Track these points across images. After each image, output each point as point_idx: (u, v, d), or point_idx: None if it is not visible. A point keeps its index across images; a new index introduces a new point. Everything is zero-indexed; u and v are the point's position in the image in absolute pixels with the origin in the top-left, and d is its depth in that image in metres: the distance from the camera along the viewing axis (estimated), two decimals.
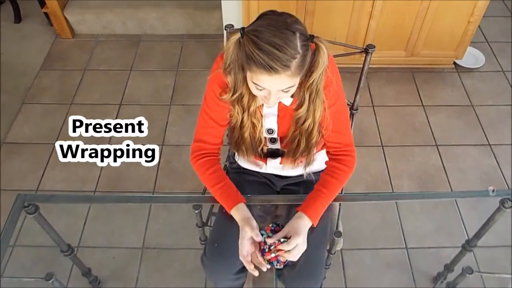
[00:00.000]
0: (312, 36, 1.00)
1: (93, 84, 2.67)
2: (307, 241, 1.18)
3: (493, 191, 1.23)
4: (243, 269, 1.33)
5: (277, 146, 1.34)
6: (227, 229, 1.30)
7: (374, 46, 1.44)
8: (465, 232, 1.99)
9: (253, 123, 1.20)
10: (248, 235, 1.14)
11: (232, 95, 1.13)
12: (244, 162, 1.44)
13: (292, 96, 1.15)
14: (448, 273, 1.74)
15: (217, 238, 1.34)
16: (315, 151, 1.31)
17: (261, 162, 1.41)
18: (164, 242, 1.97)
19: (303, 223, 1.16)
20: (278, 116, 1.22)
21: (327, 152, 1.30)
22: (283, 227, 1.18)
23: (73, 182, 2.18)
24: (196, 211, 1.28)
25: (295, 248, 1.13)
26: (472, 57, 2.77)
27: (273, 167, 1.40)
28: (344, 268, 1.89)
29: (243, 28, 0.99)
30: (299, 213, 1.18)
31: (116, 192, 2.14)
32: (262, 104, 1.19)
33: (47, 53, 2.86)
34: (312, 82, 1.06)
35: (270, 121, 1.24)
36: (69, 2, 2.91)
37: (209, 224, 1.53)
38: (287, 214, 1.34)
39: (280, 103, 1.19)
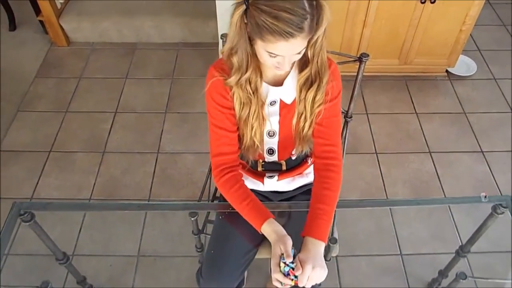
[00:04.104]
0: None
1: (88, 91, 2.68)
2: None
3: (485, 197, 1.24)
4: (240, 283, 1.33)
5: (274, 158, 1.33)
6: (223, 248, 1.29)
7: (368, 55, 1.46)
8: (458, 238, 2.01)
9: (261, 115, 1.17)
10: (279, 252, 1.08)
11: (241, 76, 1.09)
12: None
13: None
14: (442, 279, 1.75)
15: (213, 258, 1.32)
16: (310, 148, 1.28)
17: (258, 181, 1.38)
18: (160, 250, 1.97)
19: (314, 248, 1.10)
20: (280, 115, 1.21)
21: (314, 153, 1.25)
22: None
23: (68, 189, 2.18)
24: (192, 219, 1.28)
25: (308, 277, 1.06)
26: (464, 65, 2.81)
27: (270, 185, 1.39)
28: (339, 275, 1.90)
29: (247, 1, 0.97)
30: (306, 238, 1.12)
31: (112, 200, 2.13)
32: (262, 105, 1.17)
33: (42, 61, 2.86)
34: (317, 40, 1.04)
35: (271, 122, 1.22)
36: (64, 10, 2.92)
37: (205, 231, 1.53)
38: (286, 221, 1.34)
39: (281, 101, 1.18)
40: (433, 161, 2.33)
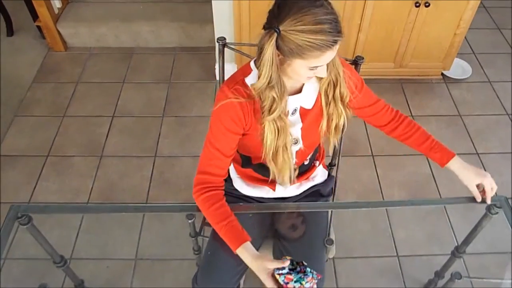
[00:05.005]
0: None
1: (86, 96, 2.69)
2: (309, 242, 1.21)
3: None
4: None
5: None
6: (219, 254, 1.29)
7: (363, 58, 1.47)
8: (454, 239, 2.02)
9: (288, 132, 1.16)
10: (266, 273, 1.08)
11: (280, 106, 1.08)
12: (246, 189, 1.40)
13: None
14: (439, 279, 1.76)
15: (209, 265, 1.32)
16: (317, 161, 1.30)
17: (268, 188, 1.37)
18: (157, 253, 1.97)
19: (463, 162, 1.27)
20: (302, 122, 1.20)
21: (383, 125, 1.35)
22: (297, 263, 1.10)
23: (66, 193, 2.18)
24: (190, 221, 1.29)
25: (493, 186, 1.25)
26: (459, 68, 2.83)
27: (281, 191, 1.37)
28: (336, 277, 1.90)
29: (277, 27, 0.96)
30: (451, 162, 1.28)
31: (109, 203, 2.14)
32: (287, 114, 1.16)
33: (40, 66, 2.87)
34: None
35: (294, 130, 1.20)
36: (62, 16, 2.94)
37: (202, 234, 1.54)
38: (295, 223, 1.37)
39: (301, 108, 1.18)
40: (429, 163, 2.34)
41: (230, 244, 1.15)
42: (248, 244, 1.14)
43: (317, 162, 1.40)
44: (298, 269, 1.07)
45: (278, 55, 1.01)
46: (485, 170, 2.29)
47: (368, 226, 2.08)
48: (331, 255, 1.45)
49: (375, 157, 2.37)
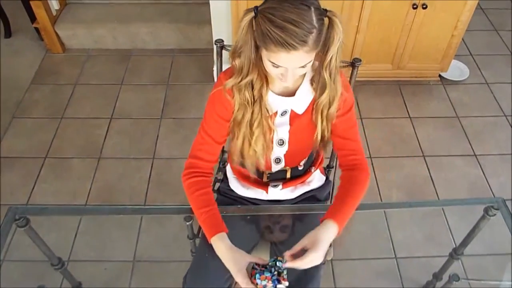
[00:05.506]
0: (325, 10, 0.98)
1: (84, 98, 2.68)
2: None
3: None
4: None
5: (281, 166, 1.32)
6: (209, 254, 1.28)
7: (360, 60, 1.47)
8: (452, 241, 2.02)
9: (267, 124, 1.16)
10: (237, 267, 1.09)
11: (241, 79, 1.08)
12: (241, 190, 1.41)
13: (311, 82, 1.13)
14: (437, 281, 1.76)
15: (198, 265, 1.32)
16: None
17: (262, 190, 1.38)
18: (155, 255, 1.97)
19: (328, 234, 1.09)
20: (290, 125, 1.20)
21: (340, 165, 1.27)
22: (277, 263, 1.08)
23: (64, 195, 2.18)
24: (187, 223, 1.28)
25: (309, 262, 1.07)
26: (457, 70, 2.84)
27: (274, 193, 1.38)
28: (334, 279, 1.90)
29: (256, 7, 0.98)
30: (325, 221, 1.11)
31: (107, 205, 2.13)
32: (275, 113, 1.17)
33: (38, 68, 2.87)
34: (331, 59, 1.04)
35: (281, 131, 1.21)
36: (60, 17, 2.94)
37: (200, 236, 1.54)
38: (292, 225, 1.36)
39: (292, 111, 1.18)
40: (427, 165, 2.35)
41: (206, 232, 1.15)
42: (224, 235, 1.14)
43: (313, 168, 1.39)
44: (272, 269, 1.08)
45: (255, 39, 1.01)
46: (483, 172, 2.33)
47: (366, 228, 2.08)
48: (329, 257, 1.45)
49: (373, 158, 2.37)
